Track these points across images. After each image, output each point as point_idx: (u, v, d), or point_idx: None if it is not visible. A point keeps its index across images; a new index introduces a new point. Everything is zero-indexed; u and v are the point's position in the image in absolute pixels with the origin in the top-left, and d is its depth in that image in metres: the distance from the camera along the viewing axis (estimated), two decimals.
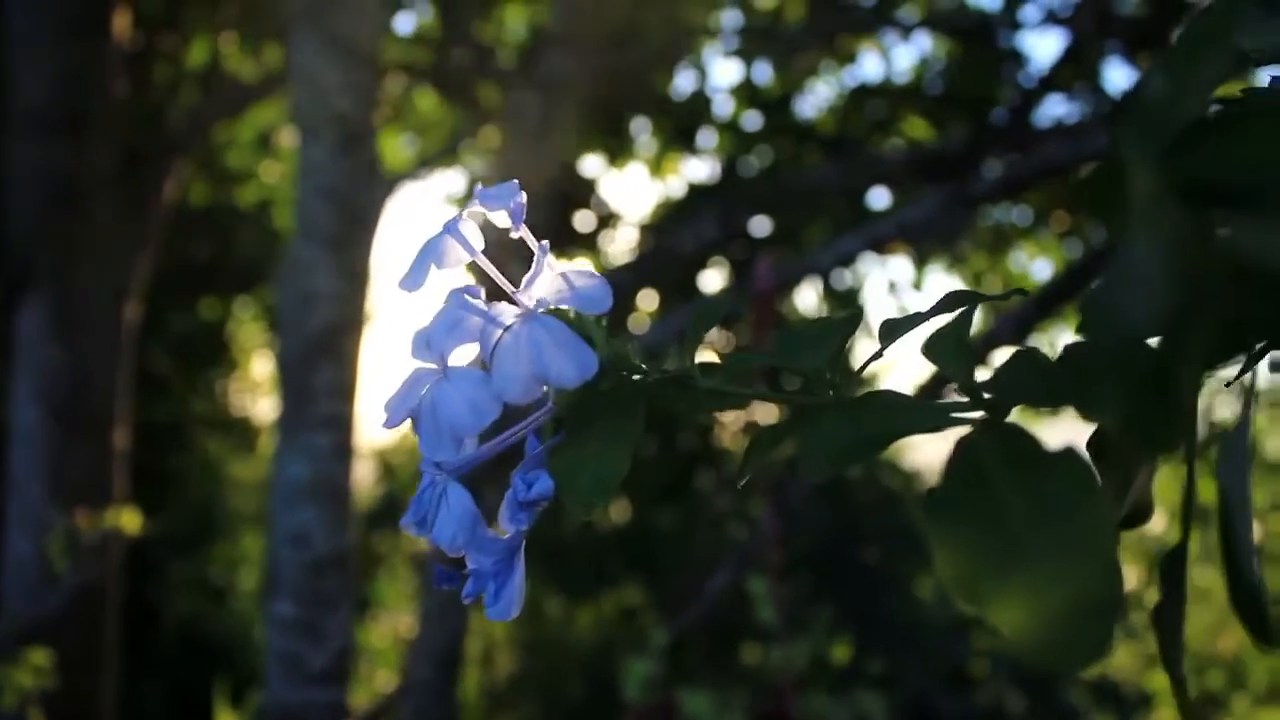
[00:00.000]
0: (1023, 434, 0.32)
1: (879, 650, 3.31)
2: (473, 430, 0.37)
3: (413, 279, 0.40)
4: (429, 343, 0.38)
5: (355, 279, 2.06)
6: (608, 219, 3.64)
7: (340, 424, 2.04)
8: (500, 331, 0.38)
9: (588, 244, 3.58)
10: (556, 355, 0.37)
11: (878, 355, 0.41)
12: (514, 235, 0.41)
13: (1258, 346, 0.31)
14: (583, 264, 0.40)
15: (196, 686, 4.23)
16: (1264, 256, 0.26)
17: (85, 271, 3.00)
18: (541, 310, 0.38)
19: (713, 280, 3.56)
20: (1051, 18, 2.95)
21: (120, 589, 3.08)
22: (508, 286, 0.39)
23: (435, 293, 0.40)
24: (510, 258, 0.41)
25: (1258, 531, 4.19)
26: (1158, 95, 0.30)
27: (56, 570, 2.65)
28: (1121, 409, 0.29)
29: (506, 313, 0.38)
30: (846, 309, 3.63)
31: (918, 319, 0.41)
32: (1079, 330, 0.32)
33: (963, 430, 0.34)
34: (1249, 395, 0.32)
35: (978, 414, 0.35)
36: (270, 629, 2.03)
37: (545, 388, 0.38)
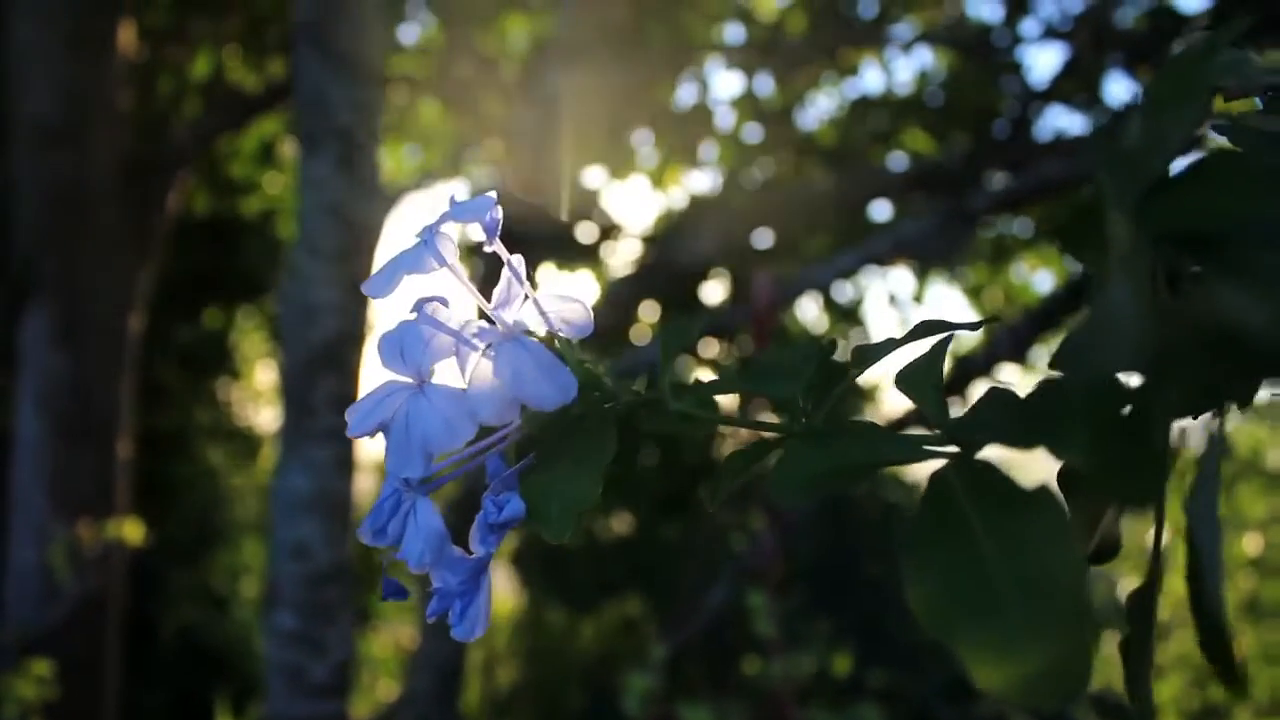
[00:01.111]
0: (995, 472, 0.33)
1: (880, 663, 3.30)
2: (446, 448, 0.37)
3: (381, 285, 0.40)
4: (404, 355, 0.38)
5: (357, 291, 2.07)
6: (610, 231, 3.65)
7: (341, 436, 2.04)
8: (478, 350, 0.37)
9: (590, 256, 3.59)
10: (536, 378, 0.36)
11: (850, 381, 0.41)
12: (488, 249, 0.40)
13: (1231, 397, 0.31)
14: (578, 280, 0.41)
15: (197, 696, 4.23)
16: (1240, 317, 0.27)
17: (89, 281, 3.01)
18: (521, 332, 0.38)
19: (714, 292, 3.57)
20: (1051, 32, 2.96)
21: (122, 598, 3.08)
22: (484, 304, 0.39)
23: (406, 299, 0.39)
24: (487, 270, 0.41)
25: (1259, 544, 4.17)
26: (1134, 143, 0.31)
27: (59, 580, 2.66)
28: (1091, 452, 0.30)
29: (484, 331, 0.38)
30: (847, 322, 3.63)
31: (890, 345, 0.41)
32: (1053, 367, 0.32)
33: (938, 462, 0.34)
34: (1218, 440, 0.33)
35: (950, 448, 0.35)
36: (271, 641, 2.03)
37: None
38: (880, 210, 3.42)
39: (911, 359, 0.41)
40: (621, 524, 4.58)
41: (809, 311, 3.97)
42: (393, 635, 5.55)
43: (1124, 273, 0.28)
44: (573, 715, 4.28)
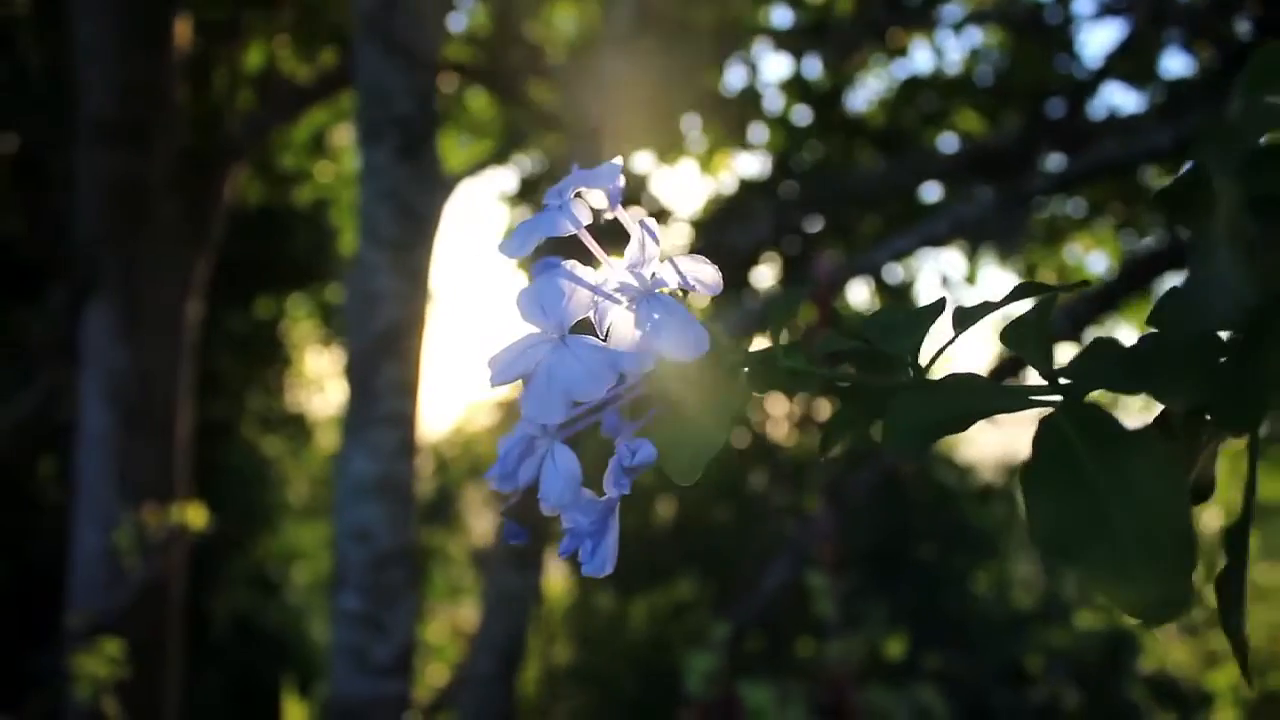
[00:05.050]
0: (1103, 415, 0.35)
1: (934, 646, 3.30)
2: (588, 396, 0.39)
3: (516, 246, 0.41)
4: (544, 310, 0.40)
5: (416, 279, 2.09)
6: (659, 215, 3.65)
7: (403, 421, 2.08)
8: (617, 305, 0.40)
9: None
10: (673, 331, 0.39)
11: (952, 341, 0.43)
12: (608, 216, 0.42)
13: None
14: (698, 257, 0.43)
15: (252, 679, 4.31)
16: None
17: (149, 274, 3.07)
18: (658, 289, 0.41)
19: (765, 277, 3.57)
20: (1106, 9, 2.92)
21: (183, 583, 3.15)
22: (615, 264, 0.42)
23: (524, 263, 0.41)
24: (605, 234, 0.43)
25: None
26: (1234, 119, 0.33)
27: (127, 565, 2.72)
28: (1196, 395, 0.33)
29: (624, 286, 0.41)
30: (899, 304, 3.61)
31: (989, 308, 0.43)
32: (1150, 323, 0.36)
33: (1040, 412, 0.38)
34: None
35: (1055, 397, 0.38)
36: (336, 622, 2.07)
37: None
38: (931, 192, 3.39)
39: (1015, 317, 0.44)
40: (670, 508, 4.60)
41: (859, 294, 3.96)
42: (444, 618, 5.61)
43: (1228, 236, 0.30)
44: (625, 697, 4.31)
